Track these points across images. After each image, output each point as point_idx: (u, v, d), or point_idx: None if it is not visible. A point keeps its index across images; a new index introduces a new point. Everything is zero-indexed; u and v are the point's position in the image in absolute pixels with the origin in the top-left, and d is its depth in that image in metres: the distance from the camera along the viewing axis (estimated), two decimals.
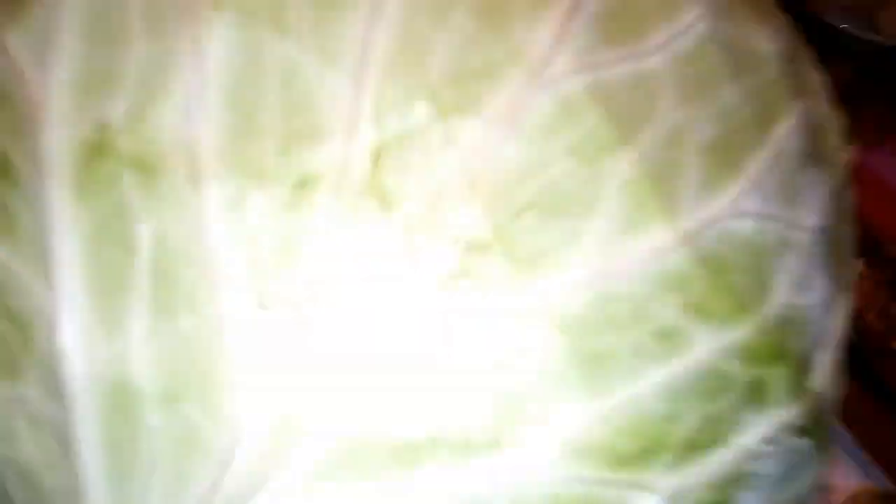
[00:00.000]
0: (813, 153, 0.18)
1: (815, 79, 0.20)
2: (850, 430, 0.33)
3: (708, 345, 0.15)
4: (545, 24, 0.14)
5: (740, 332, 0.15)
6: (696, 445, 0.15)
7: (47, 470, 0.14)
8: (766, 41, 0.17)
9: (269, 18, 0.14)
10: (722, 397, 0.15)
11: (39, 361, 0.14)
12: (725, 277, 0.15)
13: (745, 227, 0.16)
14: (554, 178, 0.14)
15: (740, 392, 0.16)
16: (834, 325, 0.18)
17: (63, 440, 0.13)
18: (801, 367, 0.17)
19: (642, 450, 0.14)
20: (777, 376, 0.16)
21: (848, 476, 0.33)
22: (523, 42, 0.14)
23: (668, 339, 0.15)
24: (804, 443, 0.18)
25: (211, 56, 0.13)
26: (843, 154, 0.20)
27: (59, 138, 0.13)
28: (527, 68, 0.14)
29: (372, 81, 0.14)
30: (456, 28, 0.14)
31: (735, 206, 0.16)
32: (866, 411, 0.34)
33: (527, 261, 0.14)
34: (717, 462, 0.16)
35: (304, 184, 0.13)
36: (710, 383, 0.15)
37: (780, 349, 0.16)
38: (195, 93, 0.13)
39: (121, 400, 0.13)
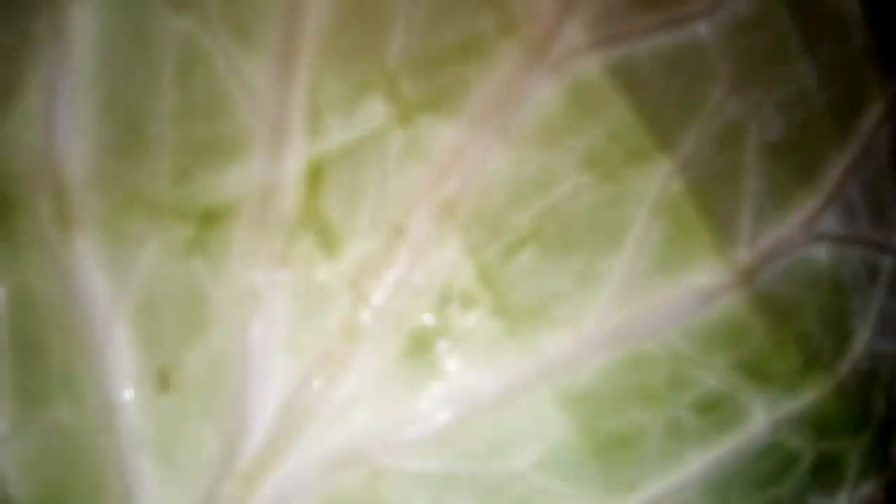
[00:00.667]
0: None
1: None
2: None
3: (766, 416, 0.12)
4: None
5: (811, 397, 0.12)
6: None
7: None
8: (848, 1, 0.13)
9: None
10: (783, 481, 0.12)
11: None
12: (793, 326, 0.12)
13: (822, 255, 0.12)
14: (561, 200, 0.10)
15: (808, 471, 0.12)
16: None
17: None
18: (885, 431, 0.13)
19: None
20: (856, 447, 0.13)
21: None
22: (519, 6, 0.10)
23: (715, 411, 0.11)
24: None
25: (77, 40, 0.10)
26: None
27: None
28: (524, 44, 0.10)
29: (305, 69, 0.10)
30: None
31: (809, 228, 0.12)
32: None
33: (524, 315, 0.10)
34: None
35: (212, 219, 0.10)
36: (769, 465, 0.12)
37: (863, 413, 0.13)
38: (59, 94, 0.10)
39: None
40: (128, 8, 0.10)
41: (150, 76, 0.10)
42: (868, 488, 0.13)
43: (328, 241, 0.10)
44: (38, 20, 0.10)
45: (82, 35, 0.10)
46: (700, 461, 0.11)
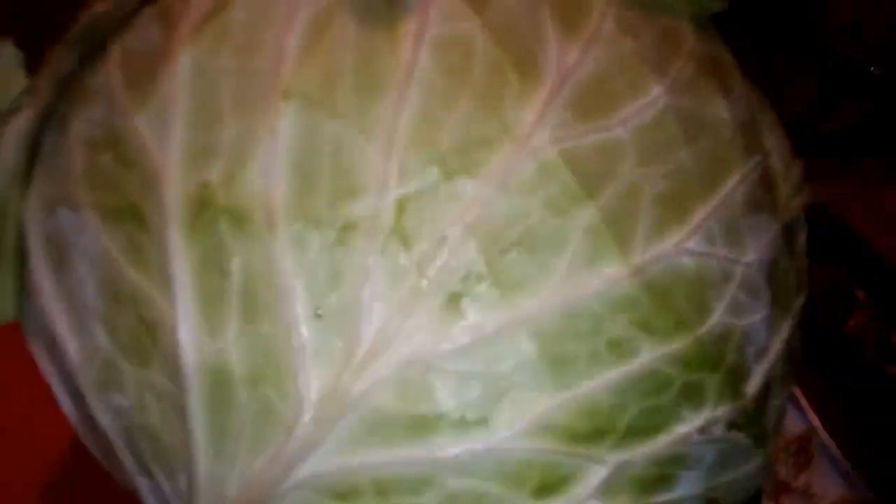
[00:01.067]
0: (761, 202, 0.22)
1: (775, 137, 0.23)
2: (838, 447, 0.36)
3: (651, 354, 0.19)
4: (530, 107, 0.19)
5: (678, 345, 0.20)
6: (638, 430, 0.19)
7: (167, 431, 0.19)
8: (724, 110, 0.21)
9: (324, 105, 0.19)
10: (662, 394, 0.20)
11: (163, 354, 0.19)
12: (667, 302, 0.19)
13: (689, 263, 0.20)
14: (533, 225, 0.19)
15: (678, 391, 0.20)
16: (774, 342, 0.22)
17: (179, 410, 0.19)
18: (737, 375, 0.21)
19: (594, 430, 0.19)
20: (712, 381, 0.20)
21: (834, 486, 0.36)
22: (513, 121, 0.19)
23: (618, 348, 0.19)
24: (739, 436, 0.22)
25: (281, 134, 0.18)
26: (797, 200, 0.24)
27: (174, 195, 0.18)
28: (515, 141, 0.19)
29: (397, 151, 0.19)
30: (461, 110, 0.19)
31: (679, 247, 0.20)
32: (855, 431, 0.37)
33: (511, 286, 0.19)
34: (658, 444, 0.20)
35: (347, 228, 0.18)
36: (650, 383, 0.19)
37: (716, 360, 0.20)
38: (271, 161, 0.18)
39: (219, 381, 0.18)
40: (308, 116, 0.19)
41: (317, 153, 0.19)
42: (725, 410, 0.21)
43: (406, 243, 0.18)
44: (261, 121, 0.19)
45: (284, 130, 0.18)
46: (609, 375, 0.19)
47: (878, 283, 0.40)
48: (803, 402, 0.37)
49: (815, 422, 0.37)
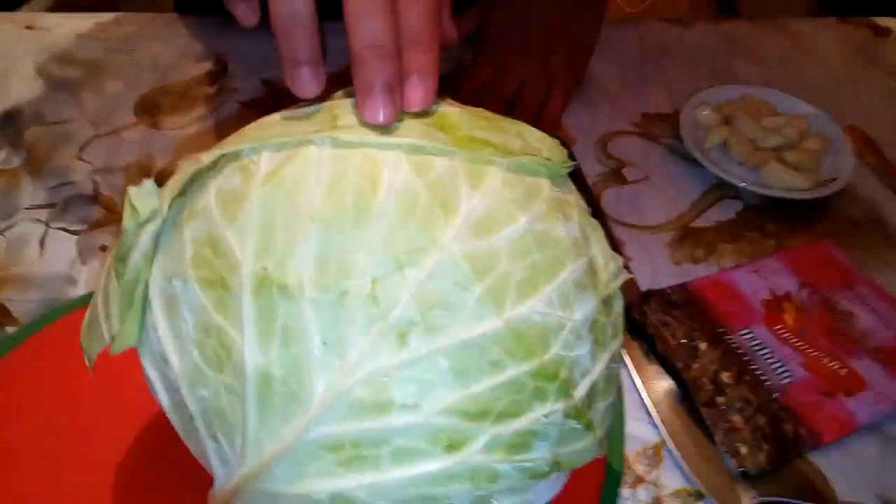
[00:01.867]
0: (586, 284, 0.36)
1: (600, 244, 0.38)
2: (679, 451, 0.50)
3: (514, 369, 0.32)
4: (449, 230, 0.32)
5: (530, 366, 0.32)
6: (506, 414, 0.31)
7: (231, 411, 0.31)
8: (563, 231, 0.35)
9: (334, 227, 0.33)
10: (520, 393, 0.32)
11: (233, 364, 0.31)
12: (523, 340, 0.33)
13: (537, 318, 0.34)
14: (447, 295, 0.31)
15: (531, 392, 0.33)
16: (595, 367, 0.36)
17: (240, 398, 0.31)
18: (568, 384, 0.34)
19: (480, 413, 0.31)
20: (552, 387, 0.34)
21: (674, 480, 0.50)
22: (438, 237, 0.31)
23: (494, 366, 0.32)
24: (572, 423, 0.34)
25: (310, 242, 0.32)
26: (615, 282, 0.38)
27: (247, 273, 0.32)
28: (439, 249, 0.31)
29: (373, 253, 0.32)
30: (410, 231, 0.32)
31: (531, 309, 0.33)
32: (692, 440, 0.51)
33: (434, 330, 0.32)
34: (519, 423, 0.32)
35: (343, 294, 0.31)
36: (514, 386, 0.31)
37: (553, 375, 0.34)
38: (303, 256, 0.32)
39: (266, 380, 0.30)
40: (325, 236, 0.33)
41: (328, 256, 0.33)
42: (560, 405, 0.34)
43: (376, 303, 0.32)
44: (298, 234, 0.33)
45: (310, 242, 0.33)
46: (489, 381, 0.32)
47: (714, 337, 0.55)
48: (657, 421, 0.52)
49: (665, 435, 0.51)
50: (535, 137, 0.38)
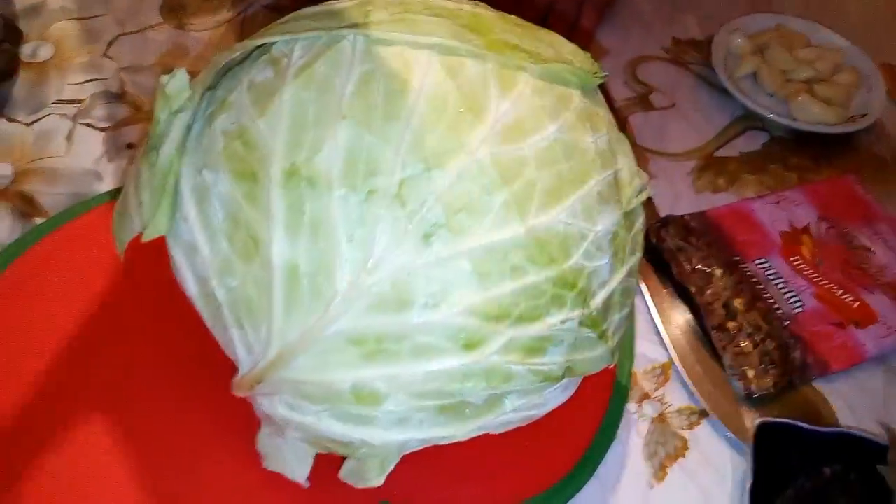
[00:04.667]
0: (609, 197, 0.36)
1: (626, 159, 0.38)
2: (686, 371, 0.51)
3: (535, 276, 0.33)
4: (477, 134, 0.32)
5: (550, 273, 0.33)
6: (524, 318, 0.33)
7: (258, 300, 0.32)
8: (591, 142, 0.35)
9: (364, 124, 0.33)
10: (539, 299, 0.33)
11: (261, 256, 0.32)
12: (546, 248, 0.34)
13: (560, 227, 0.34)
14: (473, 199, 0.32)
15: (549, 298, 0.34)
16: (613, 279, 0.37)
17: (267, 288, 0.31)
18: (586, 294, 0.35)
19: (499, 315, 0.32)
20: (570, 295, 0.35)
21: (680, 398, 0.51)
22: (466, 141, 0.32)
23: (516, 271, 0.33)
24: (586, 331, 0.36)
25: (339, 139, 0.33)
26: (638, 197, 0.38)
27: (277, 167, 0.32)
28: (467, 152, 0.32)
29: (401, 153, 0.32)
30: (439, 132, 0.32)
31: (555, 218, 0.34)
32: (700, 363, 0.52)
33: (458, 232, 0.32)
34: (536, 327, 0.33)
35: (371, 193, 0.32)
36: (533, 292, 0.33)
37: (573, 283, 0.35)
38: (332, 153, 0.32)
39: (292, 273, 0.31)
40: (355, 134, 0.33)
41: (356, 154, 0.33)
42: (577, 313, 0.35)
43: (402, 203, 0.32)
44: (328, 130, 0.33)
45: (340, 138, 0.33)
46: (510, 286, 0.33)
47: (729, 264, 0.56)
48: (667, 342, 0.53)
49: (673, 355, 0.53)
50: (568, 49, 0.37)
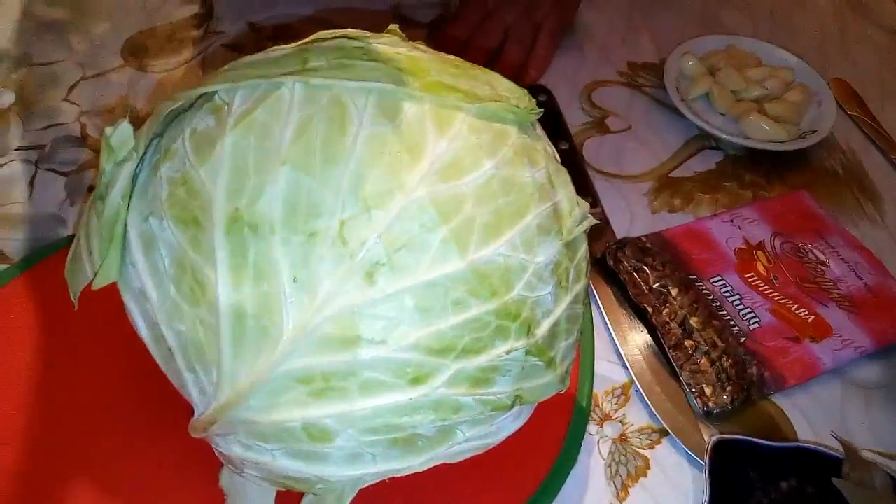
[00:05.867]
0: (549, 228, 0.37)
1: (565, 190, 0.39)
2: (646, 391, 0.52)
3: (477, 309, 0.34)
4: (415, 174, 0.33)
5: (493, 305, 0.34)
6: (469, 350, 0.33)
7: (207, 345, 0.33)
8: (528, 176, 0.36)
9: (303, 169, 0.34)
10: (483, 331, 0.34)
11: (207, 300, 0.32)
12: (487, 281, 0.34)
13: (500, 260, 0.35)
14: (412, 236, 0.33)
15: (493, 330, 0.34)
16: (558, 308, 0.38)
17: (215, 332, 0.32)
18: (530, 323, 0.36)
19: (444, 349, 0.32)
20: (514, 326, 0.35)
21: (639, 418, 0.52)
22: (405, 181, 0.32)
23: (458, 305, 0.34)
24: (533, 360, 0.36)
25: (279, 183, 0.33)
26: (579, 227, 0.39)
27: (219, 213, 0.33)
28: (405, 192, 0.32)
29: (341, 195, 0.33)
30: (377, 174, 0.33)
31: (494, 251, 0.34)
32: (659, 382, 0.53)
33: (400, 270, 0.33)
34: (482, 359, 0.34)
35: (312, 235, 0.33)
36: (477, 325, 0.33)
37: (516, 314, 0.35)
38: (273, 197, 0.33)
39: (239, 316, 0.31)
40: (294, 178, 0.34)
41: (297, 198, 0.34)
42: (522, 343, 0.35)
43: (344, 244, 0.33)
44: (269, 175, 0.34)
45: (280, 183, 0.34)
46: (453, 320, 0.34)
47: (685, 283, 0.57)
48: (627, 363, 0.54)
49: (633, 375, 0.53)
50: (504, 86, 0.39)
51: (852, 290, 0.59)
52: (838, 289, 0.59)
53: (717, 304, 0.56)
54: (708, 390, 0.51)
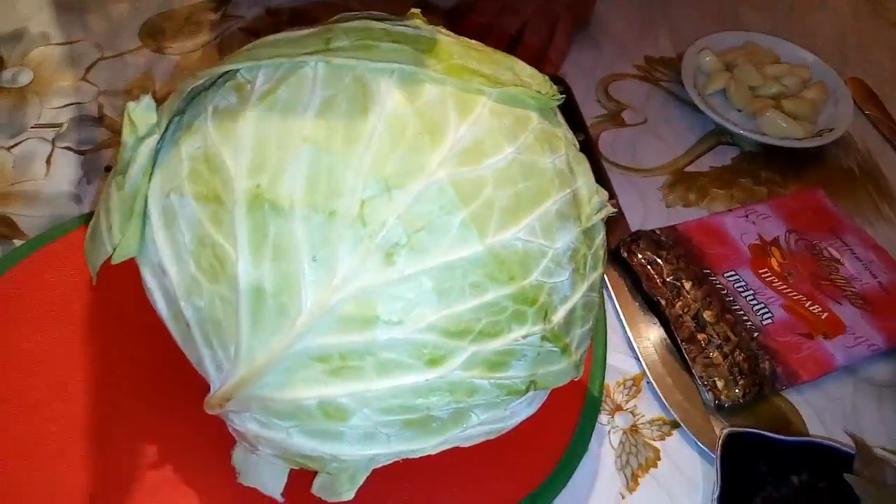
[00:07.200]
0: (569, 215, 0.37)
1: (585, 177, 0.39)
2: (657, 383, 0.52)
3: (494, 292, 0.34)
4: (435, 156, 0.33)
5: (510, 289, 0.34)
6: (486, 333, 0.33)
7: (225, 321, 0.33)
8: (549, 162, 0.36)
9: (325, 147, 0.34)
10: (500, 314, 0.34)
11: (227, 276, 0.32)
12: (505, 265, 0.34)
13: (519, 245, 0.35)
14: (432, 218, 0.33)
15: (510, 314, 0.34)
16: (574, 294, 0.37)
17: (234, 308, 0.32)
18: (547, 309, 0.36)
19: (461, 331, 0.32)
20: (531, 311, 0.35)
21: (651, 409, 0.52)
22: (425, 163, 0.32)
23: (476, 288, 0.34)
24: (548, 345, 0.36)
25: (301, 161, 0.33)
26: (597, 215, 0.39)
27: (241, 189, 0.33)
28: (425, 174, 0.33)
29: (362, 174, 0.33)
30: (398, 155, 0.33)
31: (513, 235, 0.35)
32: (671, 374, 0.53)
33: (419, 251, 0.33)
34: (498, 342, 0.34)
35: (332, 213, 0.33)
36: (494, 308, 0.34)
37: (533, 299, 0.35)
38: (294, 175, 0.33)
39: (258, 293, 0.31)
40: (316, 156, 0.34)
41: (318, 176, 0.34)
42: (538, 328, 0.35)
43: (364, 223, 0.33)
44: (291, 153, 0.34)
45: (302, 161, 0.34)
46: (470, 303, 0.33)
47: (699, 277, 0.57)
48: (639, 354, 0.54)
49: (645, 367, 0.53)
50: (526, 72, 0.39)
51: (866, 289, 0.58)
52: (852, 286, 0.58)
53: (731, 298, 0.56)
54: (720, 384, 0.51)
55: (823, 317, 0.56)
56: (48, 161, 0.61)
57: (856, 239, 0.62)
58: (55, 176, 0.60)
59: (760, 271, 0.58)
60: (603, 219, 0.39)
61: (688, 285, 0.56)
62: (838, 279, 0.59)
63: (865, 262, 0.60)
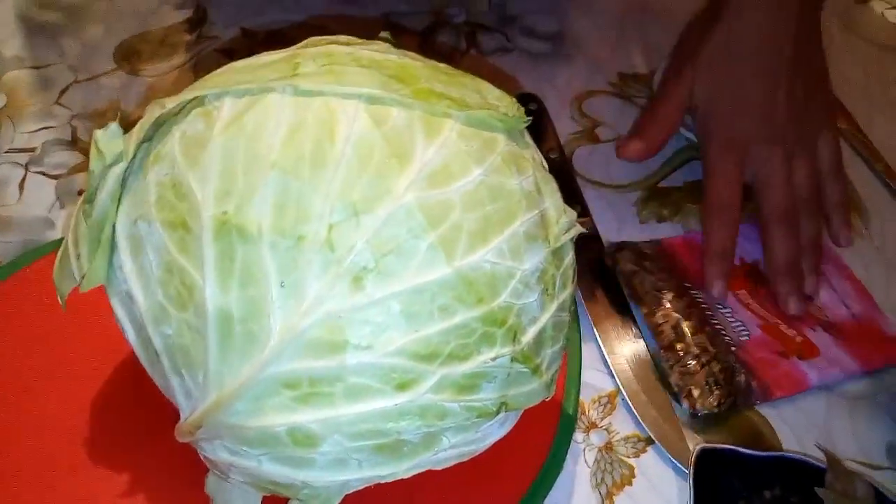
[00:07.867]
0: (536, 236, 0.37)
1: (553, 198, 0.39)
2: (632, 399, 0.52)
3: (463, 315, 0.34)
4: (403, 180, 0.33)
5: (479, 312, 0.34)
6: (455, 356, 0.33)
7: (193, 348, 0.33)
8: (516, 184, 0.36)
9: (292, 173, 0.34)
10: (469, 337, 0.34)
11: (194, 303, 0.32)
12: (473, 287, 0.35)
13: (487, 267, 0.35)
14: (400, 242, 0.33)
15: (479, 336, 0.34)
16: (543, 315, 0.38)
17: (202, 335, 0.32)
18: (516, 330, 0.36)
19: (429, 354, 0.33)
20: (500, 333, 0.35)
21: (626, 426, 0.52)
22: (393, 187, 0.32)
23: (444, 311, 0.34)
24: (519, 366, 0.36)
25: (268, 187, 0.34)
26: (566, 235, 0.39)
27: (207, 216, 0.33)
28: (393, 198, 0.33)
29: (330, 199, 0.33)
30: (365, 179, 0.33)
31: (481, 258, 0.35)
32: (645, 391, 0.53)
33: (387, 275, 0.33)
34: (467, 365, 0.34)
35: (300, 239, 0.33)
36: (463, 331, 0.33)
37: (502, 321, 0.35)
38: (261, 201, 0.33)
39: (226, 319, 0.31)
40: (284, 182, 0.34)
41: (285, 202, 0.34)
42: (507, 349, 0.35)
43: (332, 248, 0.33)
44: (258, 180, 0.34)
45: (269, 187, 0.34)
46: (439, 325, 0.34)
47: (680, 289, 0.57)
48: (613, 371, 0.54)
49: (620, 384, 0.54)
50: (494, 94, 0.39)
51: (839, 318, 0.59)
52: (826, 315, 0.59)
53: (710, 313, 0.56)
54: (696, 392, 0.51)
55: (798, 340, 0.56)
56: (21, 186, 0.60)
57: (833, 269, 0.62)
58: (28, 201, 0.59)
59: (738, 292, 0.59)
60: (572, 239, 0.39)
61: (669, 296, 0.56)
62: (812, 307, 0.59)
63: (840, 294, 0.60)
